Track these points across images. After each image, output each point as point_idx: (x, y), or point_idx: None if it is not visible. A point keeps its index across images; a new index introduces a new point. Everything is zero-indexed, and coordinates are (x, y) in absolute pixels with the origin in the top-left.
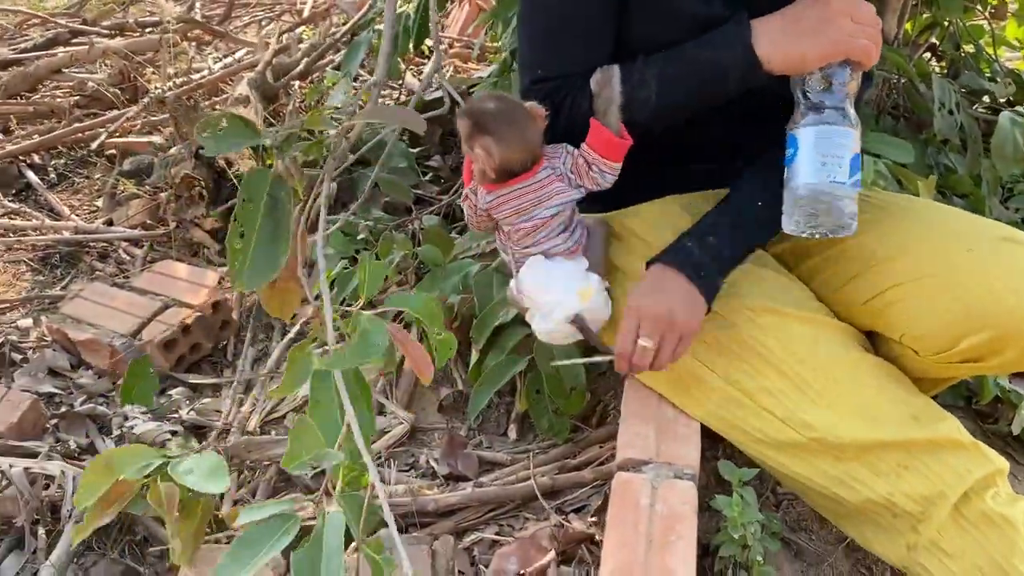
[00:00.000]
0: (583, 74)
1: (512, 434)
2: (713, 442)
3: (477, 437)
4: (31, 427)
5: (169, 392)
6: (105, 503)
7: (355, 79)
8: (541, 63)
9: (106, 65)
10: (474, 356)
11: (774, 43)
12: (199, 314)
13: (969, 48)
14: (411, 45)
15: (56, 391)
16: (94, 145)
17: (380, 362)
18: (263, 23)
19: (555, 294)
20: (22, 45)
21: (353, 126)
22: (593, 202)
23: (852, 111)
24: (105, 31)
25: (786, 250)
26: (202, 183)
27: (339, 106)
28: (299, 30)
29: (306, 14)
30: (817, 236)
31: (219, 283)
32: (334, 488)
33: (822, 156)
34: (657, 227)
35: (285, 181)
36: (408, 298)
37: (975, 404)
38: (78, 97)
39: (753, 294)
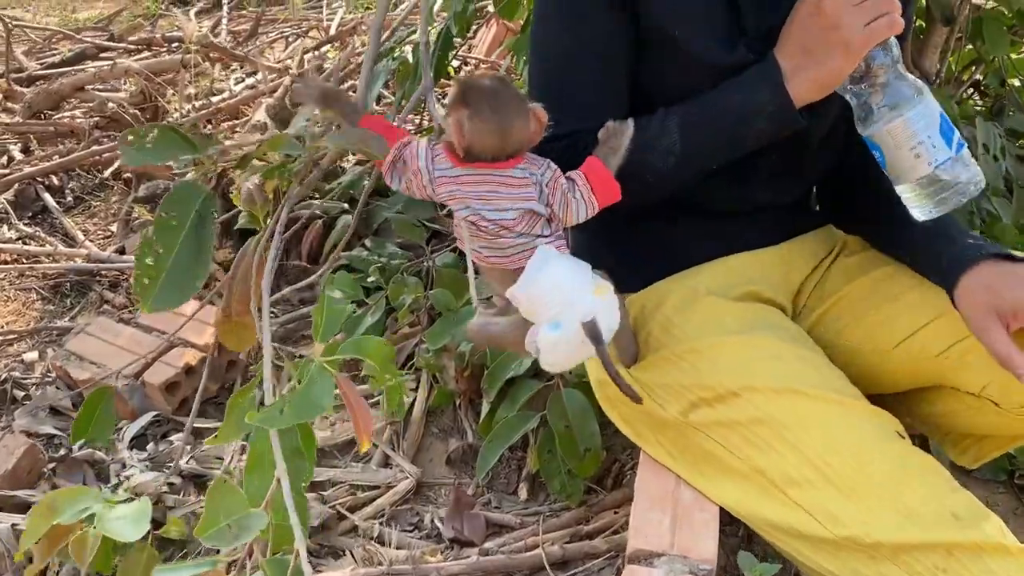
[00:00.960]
0: (596, 129)
1: (523, 493)
2: (734, 525)
3: (486, 495)
4: (27, 473)
5: (170, 438)
6: (46, 548)
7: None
8: (552, 116)
9: (129, 83)
10: (485, 408)
11: (798, 73)
12: (204, 355)
13: (1015, 82)
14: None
15: (56, 432)
16: (109, 172)
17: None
18: (290, 39)
19: (569, 292)
20: (51, 60)
21: (324, 154)
22: (635, 270)
23: (908, 77)
24: (132, 46)
25: (839, 310)
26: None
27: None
28: (323, 49)
29: (333, 31)
30: (955, 206)
31: None
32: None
33: (910, 148)
34: (732, 284)
35: (214, 199)
36: (361, 342)
37: (1018, 478)
38: (98, 118)
39: (781, 375)
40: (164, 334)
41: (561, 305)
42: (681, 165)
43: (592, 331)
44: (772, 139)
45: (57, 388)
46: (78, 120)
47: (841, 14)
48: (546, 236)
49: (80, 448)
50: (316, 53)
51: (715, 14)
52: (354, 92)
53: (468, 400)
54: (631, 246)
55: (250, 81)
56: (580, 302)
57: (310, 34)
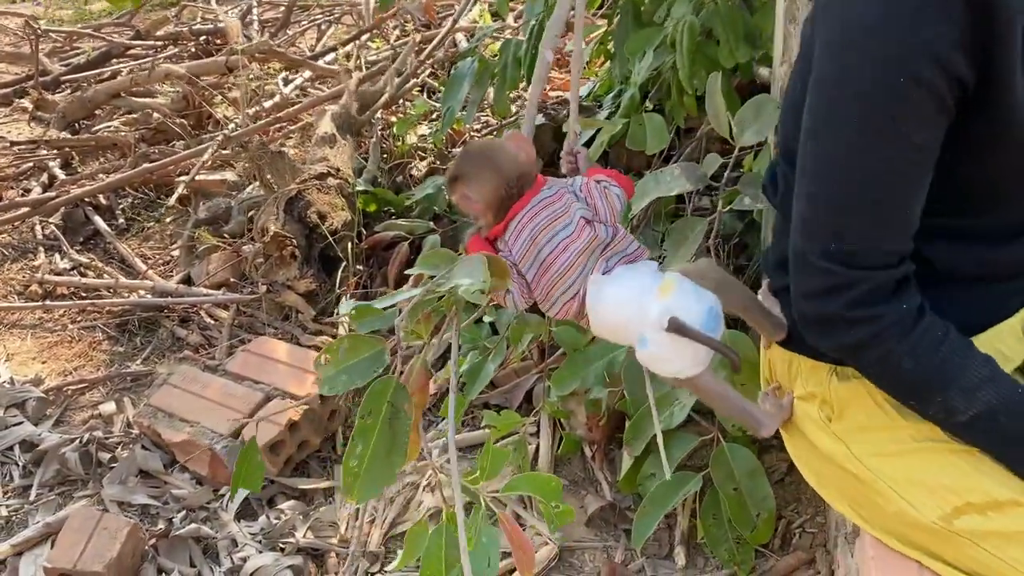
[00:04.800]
0: (892, 263)
1: (679, 558)
2: None
3: (638, 559)
4: (130, 557)
5: (279, 505)
6: None
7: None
8: (872, 238)
9: (168, 86)
10: (625, 461)
11: None
12: (307, 407)
13: None
14: (523, 77)
15: (151, 502)
16: (172, 200)
17: None
18: (322, 27)
19: (632, 308)
20: (74, 60)
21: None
22: None
23: None
24: (159, 42)
25: None
26: (293, 241)
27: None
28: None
29: (367, 17)
30: None
31: None
32: None
33: None
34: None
35: (406, 390)
36: (530, 480)
37: None
38: (143, 130)
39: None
40: (258, 384)
41: (634, 323)
42: (967, 427)
43: (678, 329)
44: None
45: (143, 448)
46: (122, 133)
47: None
48: (608, 241)
49: (183, 522)
50: (358, 43)
51: None
52: (418, 91)
53: (601, 449)
54: None
55: (299, 80)
56: (648, 311)
57: (343, 20)
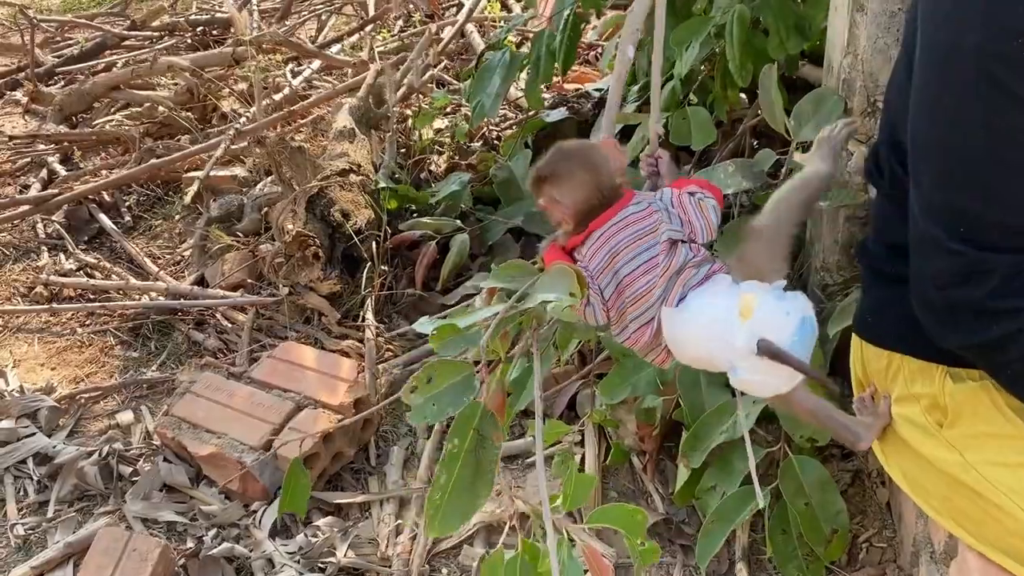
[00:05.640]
0: None
1: (741, 574)
2: None
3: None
4: None
5: (314, 521)
6: None
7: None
8: (968, 217)
9: (169, 79)
10: (681, 473)
11: None
12: (340, 418)
13: None
14: (558, 68)
15: (178, 519)
16: (188, 198)
17: None
18: (322, 17)
19: (715, 338)
20: (67, 51)
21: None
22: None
23: None
24: (155, 33)
25: None
26: (316, 241)
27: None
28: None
29: (370, 9)
30: None
31: (357, 376)
32: None
33: None
34: None
35: (495, 417)
36: (610, 511)
37: None
38: (147, 125)
39: None
40: (287, 392)
41: (721, 353)
42: None
43: (770, 354)
44: None
45: (167, 460)
46: (125, 127)
47: None
48: (694, 264)
49: (214, 540)
50: (362, 34)
51: None
52: (437, 84)
53: (652, 460)
54: None
55: (306, 72)
56: (734, 338)
57: (344, 10)
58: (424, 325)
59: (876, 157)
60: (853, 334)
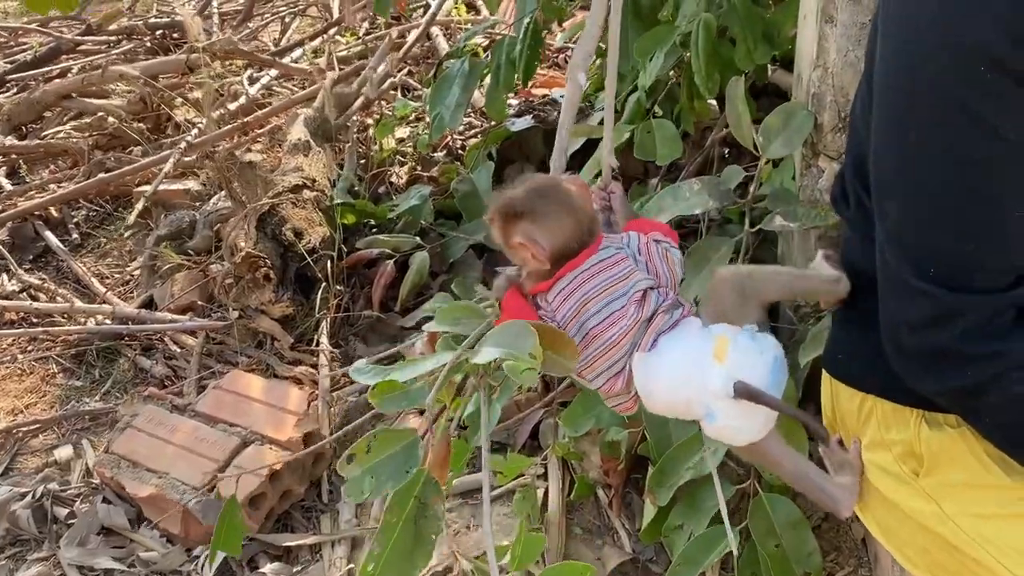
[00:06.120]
0: (1004, 284)
1: None
2: None
3: None
4: None
5: (261, 567)
6: None
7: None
8: (977, 254)
9: (123, 87)
10: (648, 509)
11: None
12: (288, 454)
13: None
14: (519, 78)
15: (115, 566)
16: (132, 217)
17: None
18: (286, 19)
19: (689, 382)
20: (20, 56)
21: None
22: None
23: None
24: (112, 37)
25: None
26: (266, 261)
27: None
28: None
29: (335, 9)
30: None
31: (308, 406)
32: None
33: None
34: None
35: (438, 484)
36: (559, 570)
37: None
38: (97, 136)
39: None
40: (233, 427)
41: (697, 398)
42: None
43: (747, 395)
44: None
45: (106, 501)
46: (74, 139)
47: None
48: (665, 309)
49: None
50: (325, 37)
51: None
52: (397, 91)
53: (618, 495)
54: None
55: (265, 79)
56: (709, 382)
57: (308, 11)
58: (361, 373)
59: (842, 182)
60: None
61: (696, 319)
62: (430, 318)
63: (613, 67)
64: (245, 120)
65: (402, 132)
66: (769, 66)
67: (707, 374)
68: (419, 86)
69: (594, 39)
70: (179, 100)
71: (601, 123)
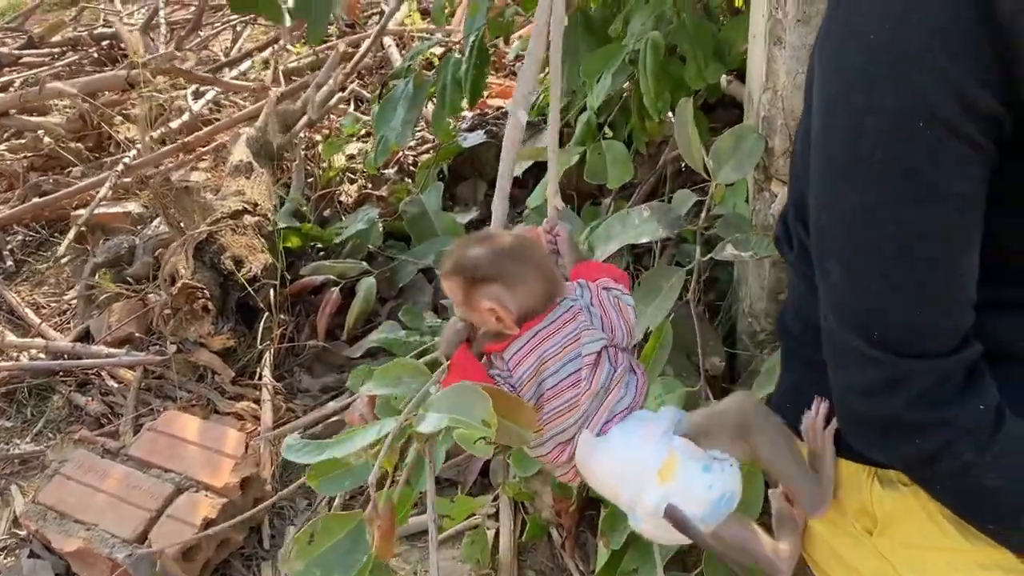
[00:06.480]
0: (952, 346)
1: None
2: None
3: None
4: None
5: None
6: None
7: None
8: (931, 316)
9: (63, 103)
10: (601, 553)
11: None
12: (225, 500)
13: None
14: (465, 102)
15: None
16: (63, 247)
17: None
18: (237, 28)
19: (627, 482)
20: None
21: None
22: None
23: None
24: (56, 48)
25: None
26: (205, 292)
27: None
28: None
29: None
30: None
31: (246, 448)
32: None
33: None
34: None
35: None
36: None
37: None
38: (33, 157)
39: None
40: (167, 472)
41: (628, 498)
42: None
43: (676, 523)
44: None
45: (33, 555)
46: (8, 160)
47: None
48: (619, 377)
49: None
50: (275, 48)
51: None
52: (346, 108)
53: (572, 536)
54: None
55: (211, 94)
56: (644, 495)
57: (260, 20)
58: (294, 451)
59: (784, 222)
60: None
61: (661, 420)
62: (380, 349)
63: (556, 101)
64: (186, 140)
65: (353, 148)
66: (724, 77)
67: (645, 488)
68: (371, 98)
69: (534, 75)
70: (120, 118)
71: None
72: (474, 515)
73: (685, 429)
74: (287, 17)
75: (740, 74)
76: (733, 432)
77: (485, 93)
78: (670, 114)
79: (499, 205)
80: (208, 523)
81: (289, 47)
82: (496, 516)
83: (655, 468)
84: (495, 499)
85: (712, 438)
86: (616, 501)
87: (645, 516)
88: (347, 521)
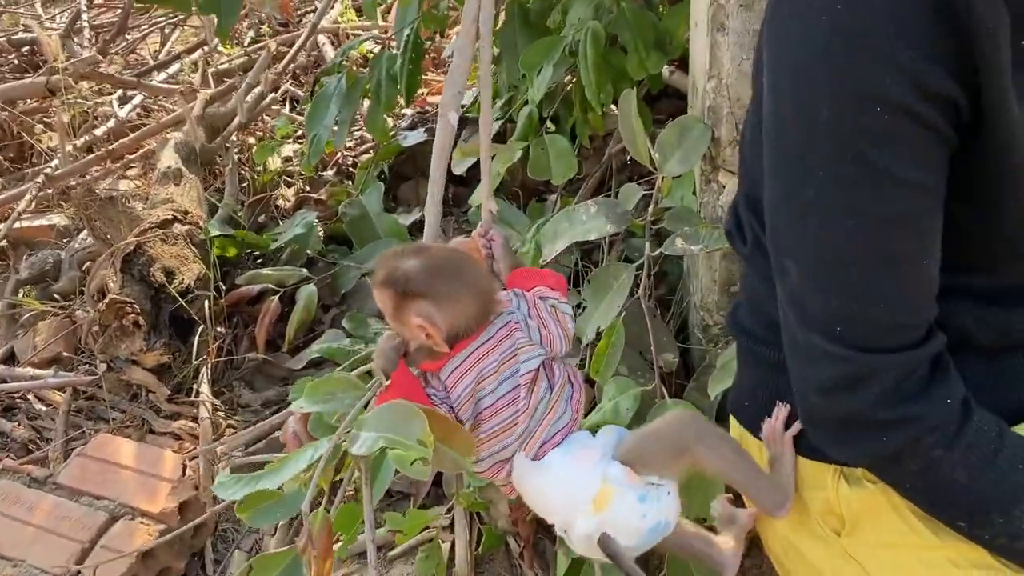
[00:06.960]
0: (917, 339)
1: None
2: None
3: None
4: None
5: None
6: None
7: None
8: (890, 308)
9: None
10: (561, 561)
11: None
12: (163, 526)
13: None
14: (402, 99)
15: None
16: None
17: None
18: (165, 30)
19: (560, 507)
20: None
21: None
22: None
23: None
24: None
25: None
26: (134, 307)
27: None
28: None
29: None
30: None
31: (184, 470)
32: None
33: None
34: None
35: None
36: None
37: None
38: None
39: None
40: (100, 500)
41: (560, 521)
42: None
43: (606, 551)
44: None
45: None
46: None
47: None
48: (558, 393)
49: None
50: (205, 50)
51: None
52: (277, 107)
53: (530, 545)
54: None
55: (138, 98)
56: (577, 522)
57: (189, 21)
58: (226, 488)
59: (736, 214)
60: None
61: (598, 447)
62: (320, 360)
63: (487, 99)
64: (111, 147)
65: (288, 150)
66: (666, 68)
67: (578, 515)
68: (304, 97)
69: (464, 73)
70: (41, 127)
71: (495, 134)
72: (428, 528)
73: (624, 451)
74: (191, 3)
75: (683, 64)
76: (672, 453)
77: (424, 90)
78: (613, 106)
79: (432, 211)
80: (145, 552)
81: (220, 48)
82: (451, 528)
83: (590, 497)
84: (449, 510)
85: (648, 465)
86: (550, 520)
87: (577, 540)
88: (281, 559)
